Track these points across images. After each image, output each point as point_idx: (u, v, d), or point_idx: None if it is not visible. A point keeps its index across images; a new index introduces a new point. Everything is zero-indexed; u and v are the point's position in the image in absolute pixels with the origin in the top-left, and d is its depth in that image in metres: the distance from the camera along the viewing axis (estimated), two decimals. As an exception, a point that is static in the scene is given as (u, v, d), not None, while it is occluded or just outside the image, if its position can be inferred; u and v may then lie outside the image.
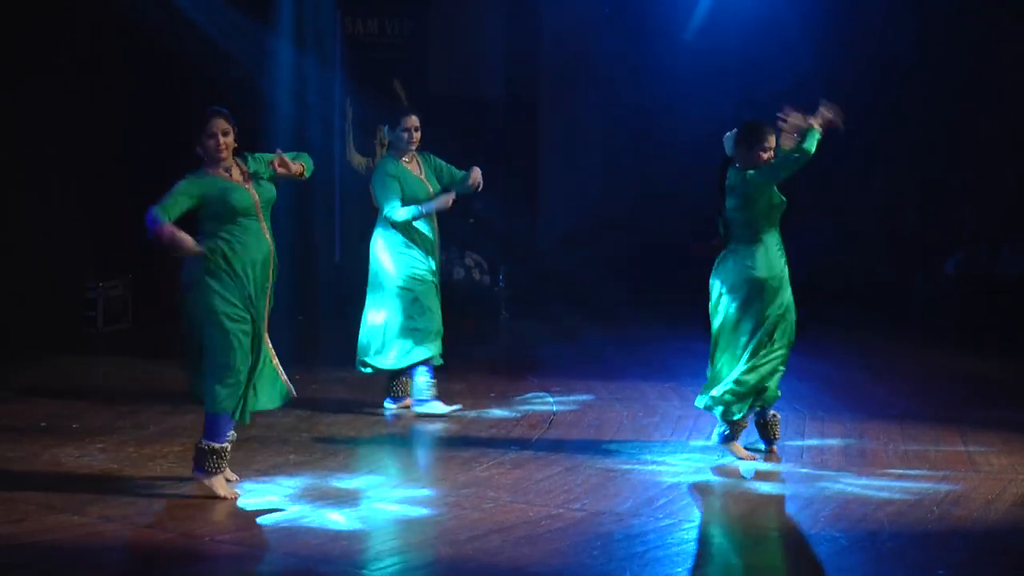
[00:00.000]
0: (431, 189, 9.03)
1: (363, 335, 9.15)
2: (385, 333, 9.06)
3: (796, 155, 7.60)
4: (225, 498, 7.01)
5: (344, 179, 13.89)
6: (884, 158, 15.13)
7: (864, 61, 14.83)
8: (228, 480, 7.22)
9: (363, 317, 9.16)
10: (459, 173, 9.13)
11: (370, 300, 9.14)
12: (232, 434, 7.13)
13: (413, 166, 9.06)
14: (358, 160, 13.97)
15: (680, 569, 6.28)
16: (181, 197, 6.92)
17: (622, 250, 15.39)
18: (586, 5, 15.68)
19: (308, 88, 13.52)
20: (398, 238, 8.99)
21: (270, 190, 7.19)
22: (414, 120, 9.03)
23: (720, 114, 15.08)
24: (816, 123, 7.59)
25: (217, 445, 7.04)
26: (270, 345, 7.20)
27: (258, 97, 13.12)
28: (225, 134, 7.03)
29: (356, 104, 13.83)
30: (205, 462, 7.05)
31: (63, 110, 11.94)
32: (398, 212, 8.91)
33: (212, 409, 7.00)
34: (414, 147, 9.05)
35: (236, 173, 7.10)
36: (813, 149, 7.56)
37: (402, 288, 9.00)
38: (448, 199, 9.00)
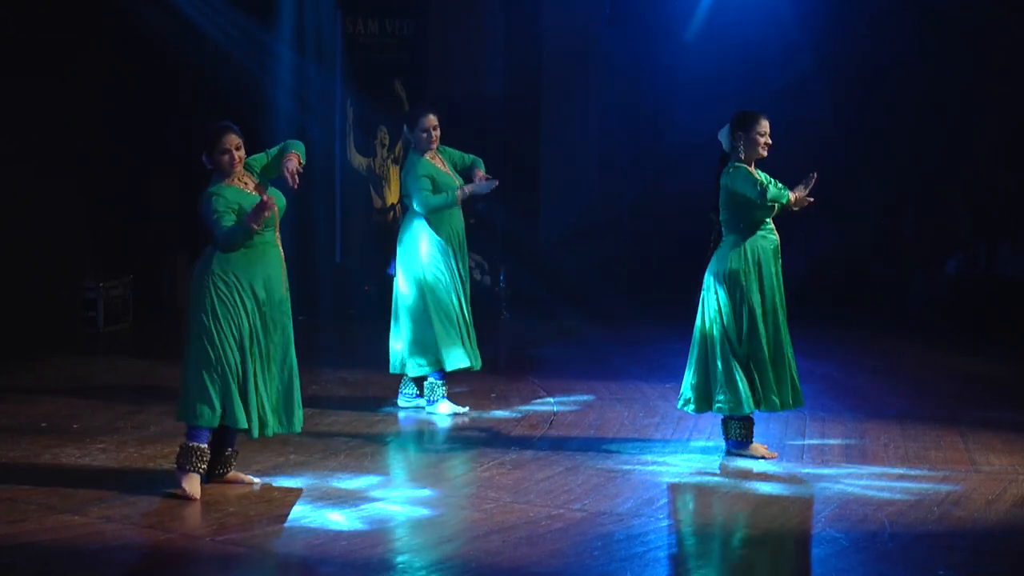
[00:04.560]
0: (458, 182, 9.11)
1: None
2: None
3: (758, 197, 7.69)
4: (188, 496, 6.95)
5: (344, 179, 13.89)
6: (884, 158, 15.12)
7: (864, 61, 14.83)
8: (244, 482, 7.26)
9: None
10: (468, 157, 9.23)
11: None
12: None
13: (438, 162, 9.10)
14: (359, 161, 13.98)
15: (681, 570, 6.28)
16: (228, 211, 6.96)
17: (622, 250, 15.38)
18: (586, 5, 15.67)
19: (309, 88, 13.52)
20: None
21: (282, 200, 7.20)
22: (432, 119, 9.03)
23: (720, 114, 15.13)
24: (793, 197, 7.73)
25: (193, 444, 7.05)
26: (293, 372, 7.22)
27: (259, 97, 13.12)
28: (238, 148, 7.07)
29: (356, 104, 13.83)
30: (181, 458, 7.07)
31: (64, 110, 11.93)
32: (431, 202, 8.95)
33: (179, 418, 7.18)
34: (435, 146, 9.07)
35: (251, 185, 7.15)
36: (769, 199, 7.67)
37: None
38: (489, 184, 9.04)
